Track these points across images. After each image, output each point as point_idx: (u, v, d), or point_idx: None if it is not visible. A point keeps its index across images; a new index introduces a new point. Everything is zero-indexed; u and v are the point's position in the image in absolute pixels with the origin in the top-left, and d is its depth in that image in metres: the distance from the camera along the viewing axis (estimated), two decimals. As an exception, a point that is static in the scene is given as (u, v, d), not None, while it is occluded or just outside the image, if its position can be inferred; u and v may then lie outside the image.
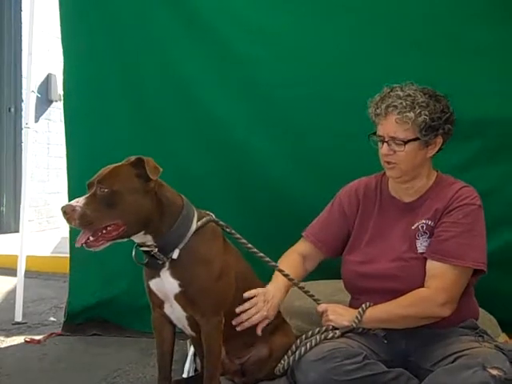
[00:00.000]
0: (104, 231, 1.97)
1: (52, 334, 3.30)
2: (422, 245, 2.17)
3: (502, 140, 2.85)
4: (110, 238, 1.98)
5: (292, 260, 2.39)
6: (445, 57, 2.87)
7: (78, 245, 1.99)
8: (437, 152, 2.23)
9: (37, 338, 3.23)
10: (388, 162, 2.19)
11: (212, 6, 3.08)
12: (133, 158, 2.03)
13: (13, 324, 3.50)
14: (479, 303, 2.34)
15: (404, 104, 2.11)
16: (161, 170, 2.01)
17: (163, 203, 2.03)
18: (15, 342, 3.21)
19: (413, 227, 2.20)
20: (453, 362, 1.94)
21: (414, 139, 2.13)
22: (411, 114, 2.10)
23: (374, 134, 2.22)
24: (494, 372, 1.83)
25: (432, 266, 2.12)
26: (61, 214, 1.95)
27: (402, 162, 2.16)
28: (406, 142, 2.12)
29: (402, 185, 2.25)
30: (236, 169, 3.13)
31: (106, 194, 1.94)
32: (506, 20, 2.82)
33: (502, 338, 2.51)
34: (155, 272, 2.09)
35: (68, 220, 1.93)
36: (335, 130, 2.94)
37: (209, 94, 3.11)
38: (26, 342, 3.20)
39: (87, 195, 1.96)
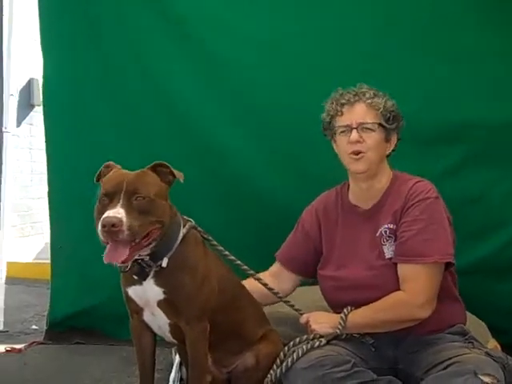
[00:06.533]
0: (143, 240, 1.87)
1: (33, 342, 3.26)
2: (389, 250, 2.16)
3: (489, 145, 2.85)
4: (147, 244, 1.90)
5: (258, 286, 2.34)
6: (433, 61, 2.87)
7: (117, 261, 1.82)
8: (391, 152, 2.25)
9: (18, 346, 3.18)
10: (356, 153, 2.16)
11: (197, 13, 3.06)
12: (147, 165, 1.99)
13: (-6, 332, 3.46)
14: (470, 309, 2.32)
15: (371, 93, 2.20)
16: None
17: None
18: (-4, 352, 3.17)
19: (377, 234, 2.18)
20: (444, 369, 1.91)
21: (383, 126, 2.16)
22: (380, 100, 2.18)
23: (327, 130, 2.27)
24: (486, 379, 1.81)
25: (402, 269, 2.11)
26: (100, 227, 1.76)
27: (371, 149, 2.15)
28: (378, 125, 2.14)
29: (364, 183, 2.23)
30: (222, 176, 3.11)
31: (143, 202, 1.86)
32: (494, 26, 2.83)
33: (492, 343, 2.49)
34: (135, 279, 2.03)
35: (115, 234, 1.76)
36: (324, 140, 2.92)
37: (193, 99, 3.09)
38: (6, 351, 3.15)
39: (121, 204, 1.82)
